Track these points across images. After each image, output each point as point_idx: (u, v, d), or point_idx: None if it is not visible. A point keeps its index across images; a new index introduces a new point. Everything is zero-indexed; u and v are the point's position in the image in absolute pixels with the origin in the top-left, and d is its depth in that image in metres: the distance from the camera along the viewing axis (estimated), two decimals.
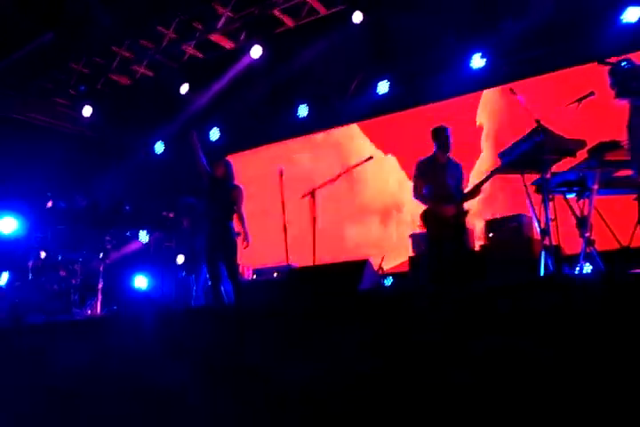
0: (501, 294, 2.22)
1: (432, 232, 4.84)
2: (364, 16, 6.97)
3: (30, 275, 6.51)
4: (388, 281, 6.44)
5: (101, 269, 6.27)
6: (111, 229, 6.52)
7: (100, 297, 6.16)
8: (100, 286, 6.18)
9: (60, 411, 3.06)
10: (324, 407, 2.39)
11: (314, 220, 5.73)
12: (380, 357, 2.37)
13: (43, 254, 6.70)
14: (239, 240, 5.35)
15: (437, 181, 4.83)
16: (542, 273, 4.17)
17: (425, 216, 4.87)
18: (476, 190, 4.74)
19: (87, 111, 8.91)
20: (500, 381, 2.04)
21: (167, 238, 6.93)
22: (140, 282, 6.98)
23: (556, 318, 2.04)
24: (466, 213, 4.83)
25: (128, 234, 6.86)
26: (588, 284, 2.16)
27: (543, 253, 4.12)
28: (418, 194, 4.93)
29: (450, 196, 4.82)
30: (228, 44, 8.19)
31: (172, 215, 6.62)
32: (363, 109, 8.01)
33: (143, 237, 7.04)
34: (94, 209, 6.66)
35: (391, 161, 8.13)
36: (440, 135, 4.96)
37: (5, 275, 6.76)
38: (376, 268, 6.03)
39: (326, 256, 7.96)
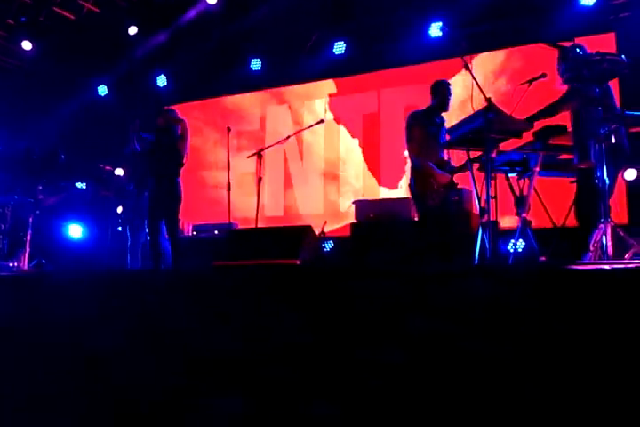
0: (433, 281, 2.25)
1: (424, 196, 4.62)
2: None
3: None
4: (329, 245, 6.49)
5: (31, 219, 6.00)
6: (44, 179, 6.21)
7: (27, 249, 5.93)
8: (29, 237, 5.93)
9: None
10: (249, 379, 2.41)
11: (259, 180, 5.67)
12: (310, 331, 2.40)
13: None
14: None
15: (433, 141, 4.61)
16: (478, 248, 4.28)
17: (419, 178, 4.65)
18: (464, 167, 4.46)
19: (27, 45, 8.38)
20: (427, 364, 2.10)
21: (105, 187, 6.71)
22: (75, 231, 6.78)
23: (486, 307, 2.09)
24: (455, 184, 4.65)
25: (62, 184, 6.57)
26: (518, 274, 2.21)
27: (480, 229, 4.21)
28: (413, 148, 4.65)
29: (443, 161, 4.63)
30: None
31: (108, 168, 6.39)
32: (318, 68, 7.82)
33: (80, 184, 6.78)
34: (28, 155, 6.32)
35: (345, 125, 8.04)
36: (441, 90, 4.75)
37: None
38: (318, 231, 6.07)
39: (271, 214, 8.04)
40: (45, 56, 8.55)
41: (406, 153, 4.87)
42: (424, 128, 4.67)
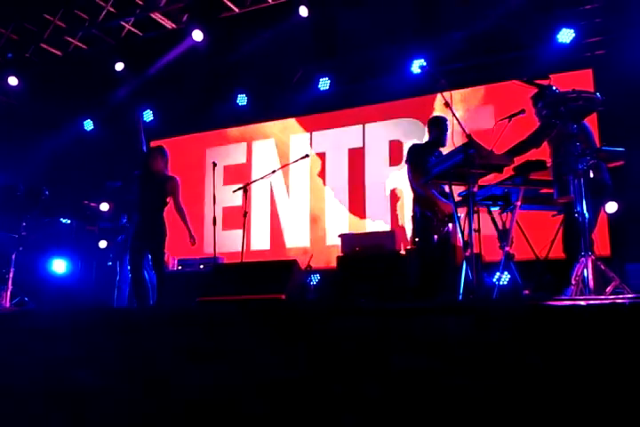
0: (417, 315, 2.25)
1: (428, 226, 4.68)
2: (310, 9, 6.92)
3: None
4: (315, 279, 6.48)
5: (13, 257, 5.95)
6: (27, 215, 6.17)
7: (10, 287, 5.86)
8: (11, 274, 5.87)
9: None
10: (229, 412, 2.39)
11: (245, 214, 5.69)
12: (293, 366, 2.38)
13: None
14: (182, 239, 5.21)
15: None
16: (462, 281, 4.30)
17: (424, 207, 4.69)
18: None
19: (13, 81, 8.45)
20: (407, 399, 2.09)
21: (90, 223, 6.69)
22: (59, 266, 6.72)
23: (468, 342, 2.10)
24: (452, 217, 4.59)
25: (46, 220, 6.54)
26: (501, 309, 2.23)
27: (465, 262, 4.24)
28: (416, 179, 4.70)
29: (445, 193, 4.65)
30: (168, 24, 7.95)
31: (93, 204, 6.37)
32: (303, 104, 7.95)
33: (64, 220, 6.75)
34: (12, 191, 6.30)
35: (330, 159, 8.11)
36: (439, 125, 4.83)
37: None
38: (304, 265, 6.06)
39: (257, 248, 8.02)
40: (31, 92, 8.61)
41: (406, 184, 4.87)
42: (424, 160, 4.72)
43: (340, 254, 6.02)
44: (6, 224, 6.27)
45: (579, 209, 3.50)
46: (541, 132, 4.15)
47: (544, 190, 4.15)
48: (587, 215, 3.49)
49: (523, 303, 2.52)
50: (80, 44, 8.50)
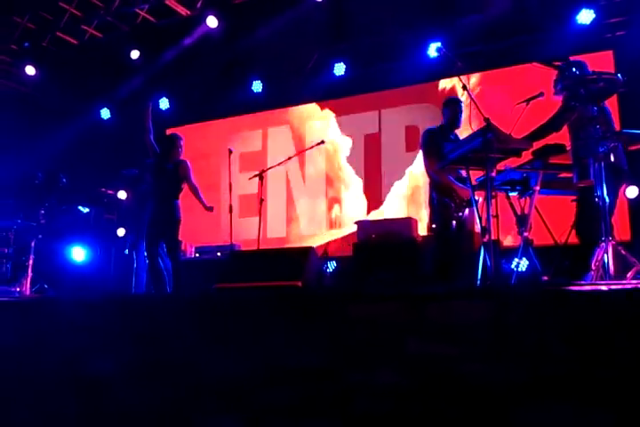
0: (432, 301, 2.23)
1: (446, 212, 4.61)
2: None
3: None
4: (332, 266, 6.48)
5: (33, 244, 6.02)
6: (46, 203, 6.24)
7: (30, 274, 5.93)
8: (31, 262, 5.94)
9: None
10: (248, 401, 2.40)
11: (261, 201, 5.69)
12: (311, 353, 2.38)
13: None
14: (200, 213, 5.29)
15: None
16: (480, 268, 4.26)
17: (441, 193, 4.62)
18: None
19: (30, 70, 8.48)
20: (424, 384, 2.08)
21: (108, 211, 6.73)
22: (78, 254, 6.79)
23: (487, 328, 2.08)
24: (470, 202, 4.46)
25: (64, 208, 6.59)
26: (520, 295, 2.20)
27: (482, 248, 4.20)
28: (431, 165, 4.62)
29: (462, 178, 4.57)
30: (183, 11, 7.91)
31: (110, 192, 6.41)
32: (319, 90, 7.90)
33: (83, 208, 6.81)
34: (30, 179, 6.37)
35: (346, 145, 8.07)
36: (453, 107, 4.76)
37: None
38: (320, 252, 6.06)
39: (273, 235, 8.04)
40: (48, 80, 8.64)
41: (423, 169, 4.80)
42: (439, 145, 4.66)
43: (356, 242, 6.00)
44: (25, 212, 6.34)
45: (599, 193, 3.44)
46: (561, 115, 4.07)
47: (563, 174, 4.09)
48: (607, 200, 3.43)
49: (542, 289, 2.49)
50: (95, 33, 8.50)
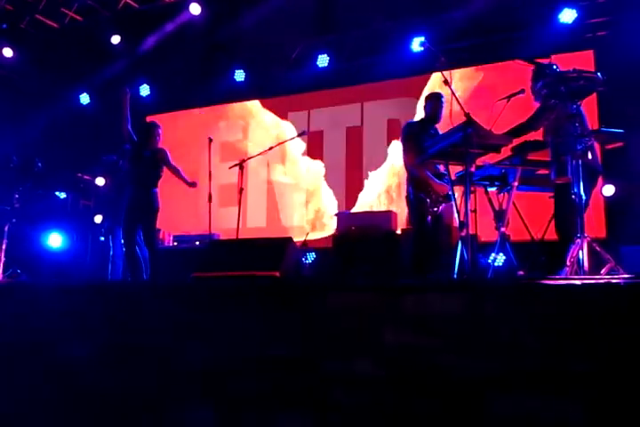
0: (409, 292, 2.25)
1: (422, 207, 4.61)
2: None
3: None
4: (311, 257, 6.49)
5: (6, 228, 5.92)
6: (20, 187, 6.14)
7: (2, 259, 5.84)
8: (4, 246, 5.85)
9: None
10: (222, 390, 2.40)
11: (240, 191, 5.65)
12: (285, 343, 2.39)
13: None
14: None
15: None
16: (457, 261, 4.30)
17: (417, 188, 4.62)
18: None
19: (8, 52, 8.31)
20: (399, 375, 2.10)
21: (85, 197, 6.65)
22: (54, 240, 6.70)
23: (462, 321, 2.10)
24: (449, 196, 4.44)
25: (39, 193, 6.49)
26: (495, 288, 2.22)
27: (460, 243, 4.23)
28: (410, 159, 4.63)
29: (440, 174, 4.59)
30: None
31: (87, 177, 6.32)
32: (302, 80, 7.87)
33: (60, 194, 6.71)
34: (5, 163, 6.25)
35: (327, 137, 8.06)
36: (434, 102, 4.76)
37: None
38: (299, 243, 6.06)
39: (253, 225, 8.02)
40: (26, 63, 8.48)
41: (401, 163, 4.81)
42: (419, 139, 4.65)
43: (336, 233, 6.02)
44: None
45: (575, 190, 3.48)
46: (540, 115, 4.11)
47: (541, 171, 4.13)
48: (583, 197, 3.48)
49: (517, 282, 2.53)
50: (76, 16, 8.36)
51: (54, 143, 8.13)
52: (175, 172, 5.34)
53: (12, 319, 2.83)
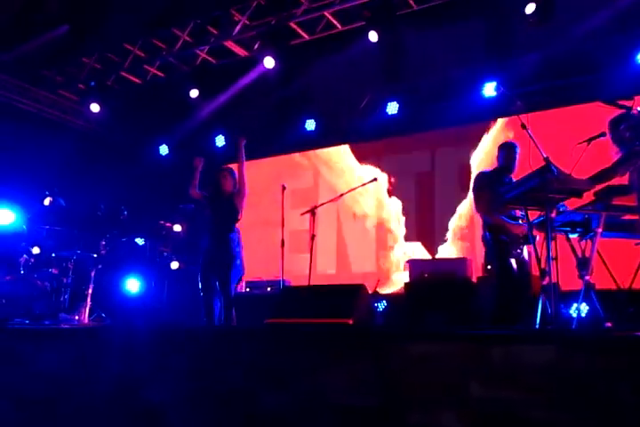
0: (495, 343, 2.16)
1: (503, 249, 4.54)
2: (380, 35, 6.95)
3: (22, 270, 6.40)
4: (382, 305, 6.37)
5: (92, 274, 6.17)
6: (107, 234, 6.43)
7: (88, 303, 6.07)
8: (90, 291, 6.09)
9: (28, 421, 3.00)
10: None
11: (312, 237, 5.69)
12: (362, 392, 2.32)
13: (36, 250, 6.60)
14: None
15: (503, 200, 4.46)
16: (539, 313, 4.11)
17: (494, 231, 4.58)
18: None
19: (95, 107, 8.85)
20: None
21: (163, 244, 6.86)
22: (132, 285, 6.91)
23: (549, 372, 1.99)
24: (528, 238, 4.31)
25: (123, 240, 6.77)
26: (587, 339, 2.10)
27: (542, 293, 4.06)
28: (482, 207, 4.66)
29: (514, 216, 4.55)
30: (241, 52, 8.19)
31: (168, 225, 6.54)
32: (371, 129, 7.97)
33: (139, 240, 6.96)
34: (93, 211, 6.58)
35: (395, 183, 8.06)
36: (508, 152, 4.75)
37: None
38: (371, 290, 5.98)
39: (323, 271, 8.01)
40: (112, 118, 9.01)
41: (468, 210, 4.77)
42: (493, 189, 4.59)
43: (408, 281, 5.91)
44: (86, 243, 6.53)
45: None
46: (627, 159, 3.95)
47: (627, 217, 3.95)
48: None
49: (610, 334, 2.38)
50: (157, 72, 8.87)
51: (137, 192, 8.50)
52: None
53: (96, 361, 2.89)
